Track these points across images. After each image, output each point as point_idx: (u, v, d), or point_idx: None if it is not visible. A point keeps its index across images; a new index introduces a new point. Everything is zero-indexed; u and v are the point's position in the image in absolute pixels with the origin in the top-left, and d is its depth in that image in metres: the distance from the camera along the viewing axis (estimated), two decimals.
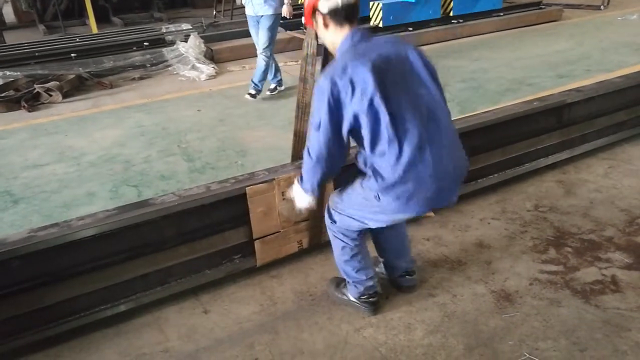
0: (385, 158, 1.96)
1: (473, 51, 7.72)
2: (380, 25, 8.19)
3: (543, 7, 9.80)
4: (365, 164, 2.07)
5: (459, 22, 8.83)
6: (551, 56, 7.11)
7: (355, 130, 1.98)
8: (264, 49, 5.60)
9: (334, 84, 1.90)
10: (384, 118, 1.89)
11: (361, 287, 2.42)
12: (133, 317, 2.55)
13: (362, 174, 2.13)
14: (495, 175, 3.57)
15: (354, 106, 1.91)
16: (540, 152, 3.76)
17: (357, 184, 2.16)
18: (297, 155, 3.01)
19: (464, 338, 2.30)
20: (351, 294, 2.48)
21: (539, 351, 2.21)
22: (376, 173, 2.00)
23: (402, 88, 1.94)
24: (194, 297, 2.67)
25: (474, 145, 3.43)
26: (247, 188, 2.64)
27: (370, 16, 8.36)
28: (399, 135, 1.91)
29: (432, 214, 3.25)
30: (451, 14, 8.88)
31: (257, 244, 2.74)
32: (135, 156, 4.52)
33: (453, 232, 3.11)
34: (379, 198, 2.04)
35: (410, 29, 8.38)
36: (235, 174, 3.88)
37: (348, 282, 2.48)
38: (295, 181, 2.30)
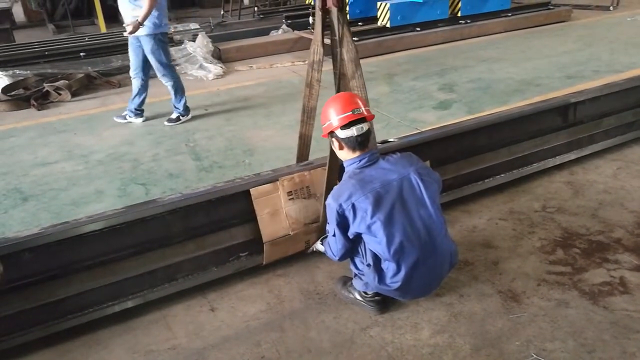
0: (385, 268, 2.29)
1: (481, 52, 7.69)
2: (388, 25, 8.17)
3: (552, 7, 9.74)
4: (358, 267, 2.42)
5: (466, 23, 8.79)
6: (560, 57, 7.08)
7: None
8: (162, 76, 5.07)
9: (339, 206, 2.23)
10: (382, 240, 2.19)
11: (366, 279, 2.43)
12: (141, 314, 2.56)
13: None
14: (503, 175, 3.56)
15: (355, 227, 2.24)
16: (548, 153, 3.75)
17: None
18: (302, 157, 3.01)
19: (471, 338, 2.30)
20: (357, 287, 2.49)
21: (546, 352, 2.20)
22: (376, 271, 2.30)
23: (403, 213, 2.23)
24: (201, 295, 2.69)
25: (480, 145, 3.43)
26: (251, 189, 2.65)
27: (378, 17, 8.35)
28: (397, 257, 2.21)
29: None
30: (459, 14, 8.84)
31: (266, 246, 2.74)
32: (143, 155, 4.54)
33: (460, 232, 3.10)
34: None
35: (418, 29, 8.36)
36: (243, 173, 3.92)
37: (354, 274, 2.50)
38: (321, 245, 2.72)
